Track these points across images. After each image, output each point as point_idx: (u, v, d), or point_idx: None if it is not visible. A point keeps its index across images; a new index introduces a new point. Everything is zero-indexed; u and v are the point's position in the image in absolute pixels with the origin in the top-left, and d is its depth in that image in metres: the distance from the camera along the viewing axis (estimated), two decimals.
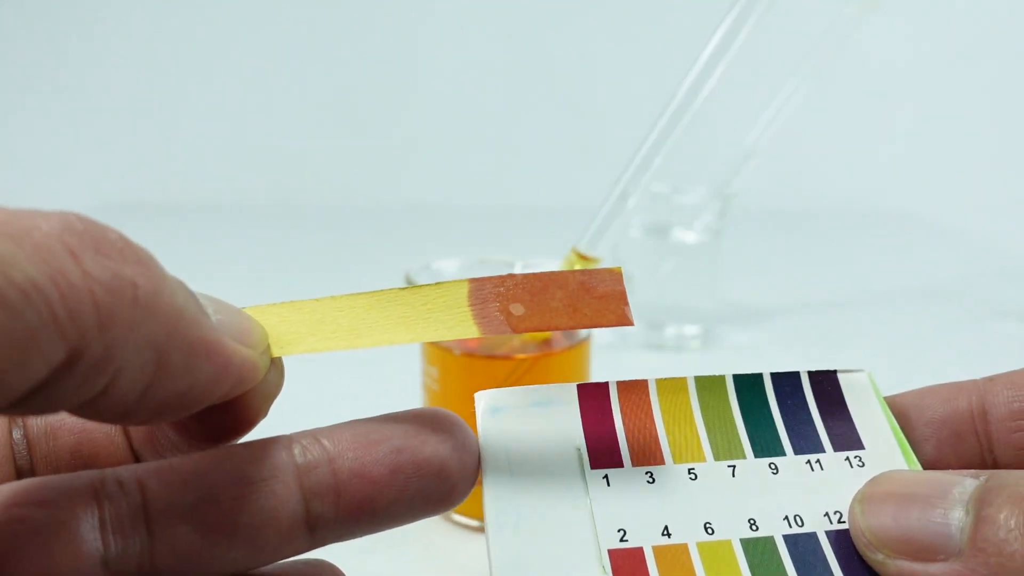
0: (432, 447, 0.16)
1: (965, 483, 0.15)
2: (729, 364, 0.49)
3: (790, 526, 0.17)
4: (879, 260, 0.74)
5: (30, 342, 0.12)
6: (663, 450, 0.18)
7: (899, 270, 0.69)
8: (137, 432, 0.18)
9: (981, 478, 0.15)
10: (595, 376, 0.34)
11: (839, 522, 0.17)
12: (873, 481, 0.16)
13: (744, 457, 0.18)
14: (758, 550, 0.16)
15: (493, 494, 0.17)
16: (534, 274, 0.17)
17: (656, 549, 0.17)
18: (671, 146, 0.38)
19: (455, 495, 0.17)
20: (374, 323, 0.17)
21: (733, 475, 0.18)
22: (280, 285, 0.66)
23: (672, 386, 0.19)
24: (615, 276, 0.17)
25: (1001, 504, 0.14)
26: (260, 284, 0.67)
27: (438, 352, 0.34)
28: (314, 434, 0.16)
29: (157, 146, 0.96)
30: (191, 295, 0.14)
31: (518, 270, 0.37)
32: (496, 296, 0.17)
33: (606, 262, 0.38)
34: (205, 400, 0.15)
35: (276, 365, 0.17)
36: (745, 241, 0.73)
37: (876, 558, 0.16)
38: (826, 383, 0.19)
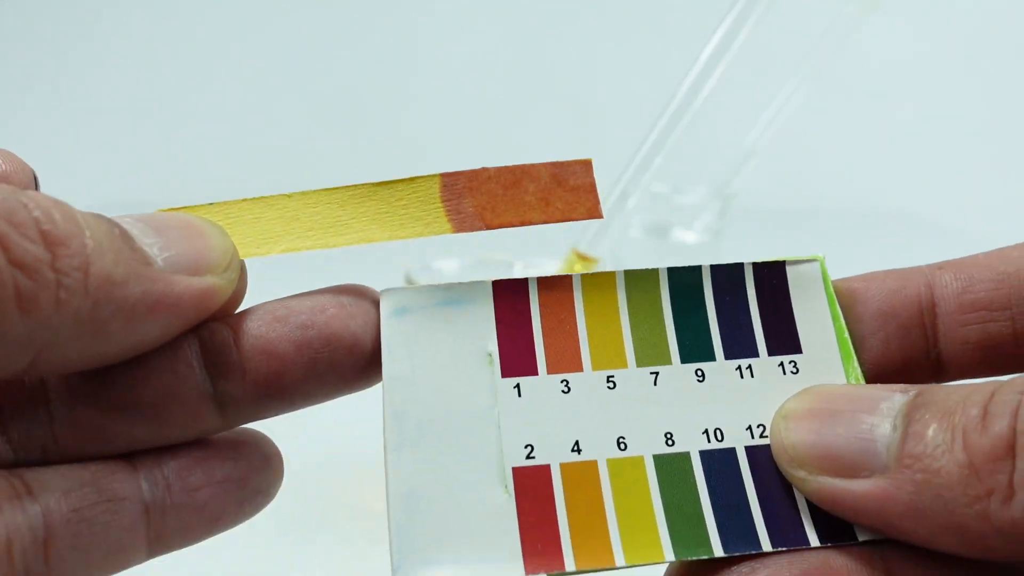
0: (341, 321, 0.16)
1: (894, 398, 0.15)
2: None
3: (708, 441, 0.16)
4: (879, 260, 0.73)
5: None
6: (582, 355, 0.17)
7: None
8: None
9: (910, 393, 0.14)
10: None
11: (761, 437, 0.16)
12: (799, 396, 0.16)
13: (669, 363, 0.17)
14: (671, 466, 0.16)
15: (393, 408, 0.16)
16: (506, 167, 0.17)
17: (564, 467, 0.16)
18: (671, 146, 0.38)
19: (371, 369, 0.16)
20: (349, 219, 0.17)
21: (655, 383, 0.17)
22: (280, 284, 0.66)
23: (599, 282, 0.17)
24: (586, 168, 0.17)
25: (930, 419, 0.14)
26: (260, 284, 0.67)
27: None
28: (224, 319, 0.16)
29: (157, 146, 0.96)
30: (127, 246, 0.14)
31: (518, 270, 0.37)
32: (470, 190, 0.17)
33: (606, 262, 0.38)
34: (162, 339, 0.15)
35: (240, 271, 0.16)
36: (745, 241, 0.72)
37: (797, 475, 0.15)
38: (772, 276, 0.18)
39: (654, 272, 0.17)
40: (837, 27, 0.46)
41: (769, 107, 0.50)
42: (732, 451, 0.16)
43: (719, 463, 0.16)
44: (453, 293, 0.17)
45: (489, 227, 0.17)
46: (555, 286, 0.17)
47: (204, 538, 0.16)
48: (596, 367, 0.17)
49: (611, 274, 0.17)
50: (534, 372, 0.16)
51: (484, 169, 0.17)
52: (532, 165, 0.17)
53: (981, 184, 0.91)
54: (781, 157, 0.70)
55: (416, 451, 0.16)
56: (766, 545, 0.15)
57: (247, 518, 0.17)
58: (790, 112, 0.49)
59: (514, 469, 0.16)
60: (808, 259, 0.18)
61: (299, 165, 0.97)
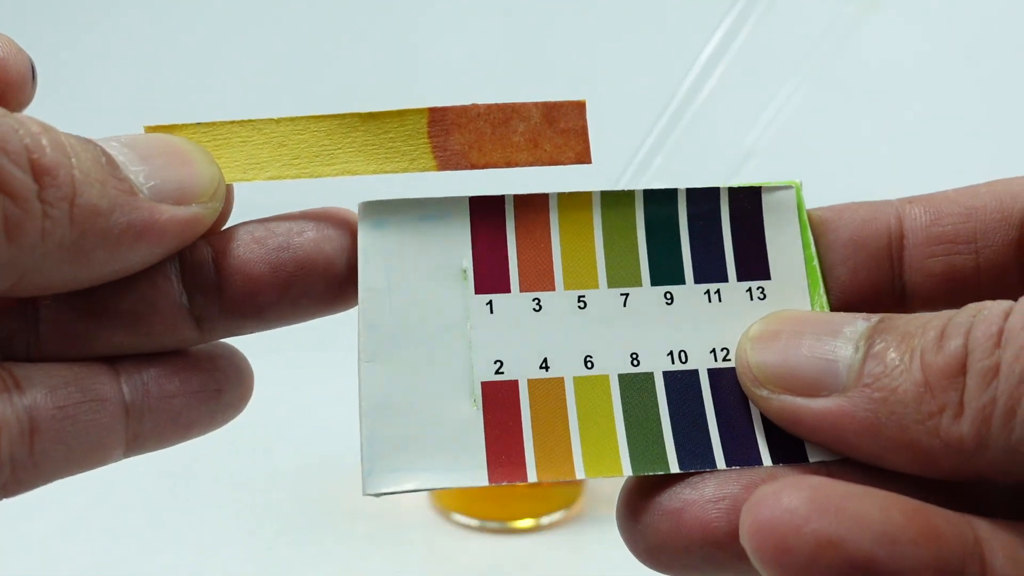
0: (316, 244, 0.16)
1: (857, 323, 0.15)
2: None
3: (672, 362, 0.16)
4: None
5: None
6: (555, 274, 0.17)
7: None
8: None
9: (873, 319, 0.15)
10: None
11: (724, 360, 0.16)
12: (765, 319, 0.16)
13: (640, 285, 0.17)
14: (634, 386, 0.16)
15: (368, 319, 0.16)
16: (496, 104, 0.17)
17: (531, 382, 0.16)
18: (671, 146, 0.38)
19: (345, 293, 0.17)
20: (336, 149, 0.17)
21: (624, 304, 0.17)
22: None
23: (575, 201, 0.18)
24: (579, 110, 0.17)
25: (890, 342, 0.14)
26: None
27: None
28: (205, 239, 0.16)
29: None
30: (112, 175, 0.14)
31: None
32: (457, 126, 0.17)
33: None
34: (144, 266, 0.15)
35: (227, 193, 0.17)
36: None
37: (760, 393, 0.16)
38: (747, 201, 0.18)
39: (630, 194, 0.18)
40: (837, 27, 0.46)
41: (769, 107, 0.50)
42: (695, 373, 0.16)
43: (681, 384, 0.16)
44: (431, 208, 0.17)
45: (474, 166, 0.17)
46: (532, 204, 0.17)
47: (177, 442, 0.17)
48: (568, 287, 0.17)
49: (588, 194, 0.18)
50: (507, 290, 0.17)
51: (474, 105, 0.17)
52: (523, 104, 0.17)
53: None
54: (781, 157, 0.70)
55: (388, 363, 0.16)
56: (720, 464, 0.16)
57: (218, 427, 0.17)
58: (790, 112, 0.49)
59: (483, 384, 0.16)
60: (784, 185, 0.18)
61: None
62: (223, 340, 0.17)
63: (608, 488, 0.42)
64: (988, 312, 0.14)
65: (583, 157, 0.17)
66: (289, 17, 0.94)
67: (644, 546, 0.15)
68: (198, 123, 0.17)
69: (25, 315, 0.16)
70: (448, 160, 0.16)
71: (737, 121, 0.53)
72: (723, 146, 0.53)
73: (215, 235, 0.17)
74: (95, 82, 0.96)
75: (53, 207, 0.13)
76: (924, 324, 0.14)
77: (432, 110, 0.17)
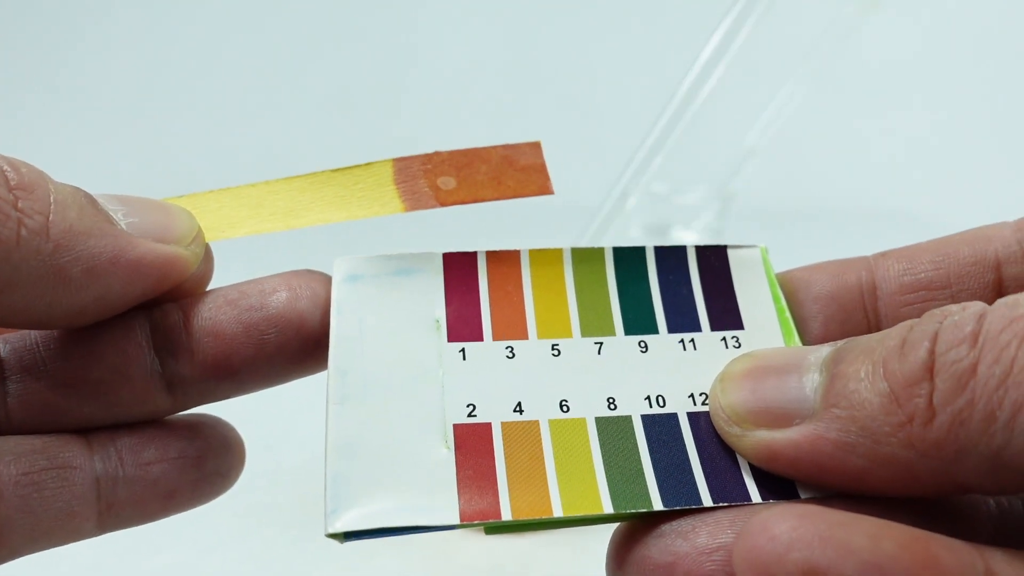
0: (289, 303, 0.16)
1: (822, 350, 0.15)
2: None
3: (651, 406, 0.16)
4: None
5: None
6: (528, 324, 0.17)
7: None
8: None
9: (838, 344, 0.15)
10: None
11: (703, 404, 0.16)
12: (735, 360, 0.16)
13: (613, 334, 0.17)
14: (613, 429, 0.16)
15: (337, 364, 0.16)
16: (458, 151, 0.18)
17: (505, 425, 0.16)
18: (671, 146, 0.38)
19: (320, 351, 0.17)
20: (309, 203, 0.17)
21: (599, 352, 0.17)
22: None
23: (546, 257, 0.18)
24: (535, 149, 0.18)
25: (852, 359, 0.14)
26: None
27: None
28: (175, 303, 0.16)
29: (157, 146, 0.96)
30: (90, 204, 0.15)
31: None
32: (424, 172, 0.17)
33: None
34: (126, 302, 0.15)
35: (207, 254, 0.17)
36: (745, 241, 0.72)
37: (733, 432, 0.15)
38: (713, 258, 0.18)
39: (600, 250, 0.18)
40: (837, 27, 0.46)
41: (769, 107, 0.50)
42: (674, 416, 0.16)
43: (660, 427, 0.16)
44: (404, 263, 0.17)
45: (443, 204, 0.17)
46: (503, 260, 0.18)
47: (160, 516, 0.17)
48: (541, 335, 0.17)
49: (558, 250, 0.18)
50: (480, 338, 0.17)
51: (437, 153, 0.17)
52: (483, 148, 0.17)
53: (981, 184, 0.91)
54: (781, 157, 0.70)
55: (358, 406, 0.16)
56: (707, 500, 0.15)
57: (205, 500, 0.17)
58: (790, 112, 0.49)
59: (455, 426, 0.16)
60: (748, 246, 0.19)
61: (298, 164, 0.97)
62: (203, 410, 0.17)
63: None
64: (958, 317, 0.13)
65: (544, 189, 0.17)
66: (287, 17, 0.94)
67: None
68: (177, 196, 0.17)
69: None
70: (417, 201, 0.17)
71: (737, 121, 0.53)
72: (723, 146, 0.53)
73: (185, 299, 0.17)
74: (95, 83, 0.96)
75: (29, 217, 0.13)
76: (885, 336, 0.14)
77: (397, 160, 0.17)
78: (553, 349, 0.17)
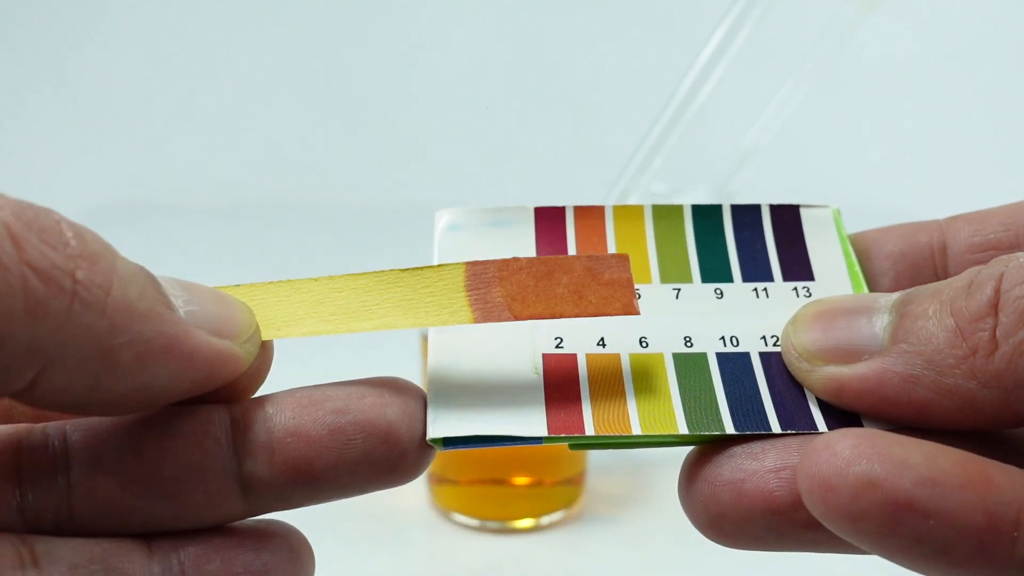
0: (377, 410, 0.16)
1: (892, 296, 0.15)
2: None
3: (725, 345, 0.17)
4: None
5: None
6: None
7: None
8: None
9: (908, 290, 0.15)
10: None
11: (774, 345, 0.17)
12: (806, 304, 0.17)
13: (691, 282, 0.18)
14: (689, 363, 0.17)
15: None
16: (539, 258, 0.17)
17: (589, 356, 0.17)
18: (671, 146, 0.38)
19: (405, 463, 0.16)
20: (374, 305, 0.16)
21: (677, 297, 0.18)
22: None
23: (629, 212, 0.19)
24: (622, 262, 0.17)
25: (921, 300, 0.15)
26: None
27: None
28: (258, 398, 0.16)
29: (157, 146, 0.96)
30: (153, 287, 0.14)
31: None
32: (499, 280, 0.17)
33: None
34: (170, 395, 0.14)
35: (265, 348, 0.16)
36: None
37: (803, 367, 0.16)
38: (786, 216, 0.19)
39: (679, 207, 0.19)
40: (836, 27, 0.46)
41: (769, 107, 0.50)
42: (747, 355, 0.17)
43: (734, 364, 0.17)
44: (500, 215, 0.19)
45: (517, 318, 0.16)
46: (589, 214, 0.19)
47: None
48: None
49: (639, 207, 0.19)
50: None
51: (515, 259, 0.17)
52: (566, 258, 0.17)
53: (981, 184, 0.91)
54: (781, 157, 0.70)
55: (455, 336, 0.17)
56: (776, 428, 0.16)
57: None
58: (790, 112, 0.49)
59: (544, 355, 0.17)
60: (821, 205, 0.20)
61: (299, 165, 0.97)
62: (275, 517, 0.16)
63: (608, 488, 0.42)
64: (1022, 259, 0.14)
65: (629, 309, 0.16)
66: (287, 17, 0.94)
67: (706, 517, 0.15)
68: (235, 285, 0.16)
69: (56, 483, 0.15)
70: (489, 312, 0.16)
71: (737, 121, 0.53)
72: (722, 146, 0.53)
73: (267, 396, 0.16)
74: (100, 87, 0.96)
75: (87, 290, 0.13)
76: (952, 280, 0.15)
77: (470, 264, 0.17)
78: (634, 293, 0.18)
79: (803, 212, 0.19)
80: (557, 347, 0.17)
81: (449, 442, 0.16)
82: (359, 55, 0.94)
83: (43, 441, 0.15)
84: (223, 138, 0.95)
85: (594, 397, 0.16)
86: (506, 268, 0.17)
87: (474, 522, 0.37)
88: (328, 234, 0.85)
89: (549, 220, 0.19)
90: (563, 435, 0.16)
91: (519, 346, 0.17)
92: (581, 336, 0.17)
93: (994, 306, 0.14)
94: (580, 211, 0.19)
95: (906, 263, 0.18)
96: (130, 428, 0.15)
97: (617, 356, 0.17)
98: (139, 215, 0.89)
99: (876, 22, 0.48)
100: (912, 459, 0.13)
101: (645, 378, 0.17)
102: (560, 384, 0.17)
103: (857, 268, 0.18)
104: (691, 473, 0.16)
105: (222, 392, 0.15)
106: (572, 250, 0.19)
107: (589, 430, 0.16)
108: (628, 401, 0.16)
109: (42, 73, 0.95)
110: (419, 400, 0.16)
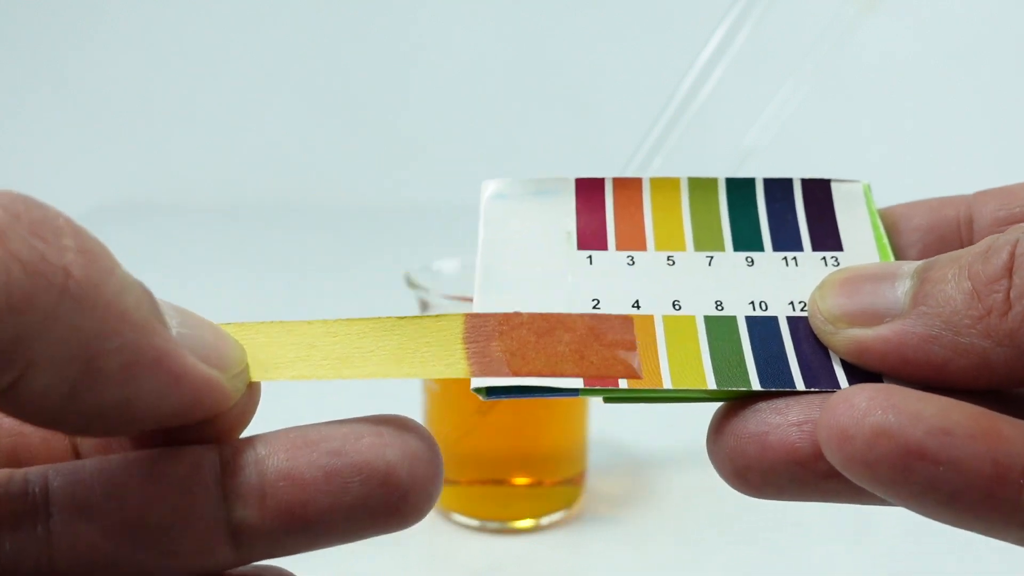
0: (376, 451, 0.15)
1: (915, 263, 0.16)
2: None
3: (754, 310, 0.18)
4: None
5: None
6: (647, 238, 0.19)
7: None
8: (85, 442, 0.16)
9: (930, 259, 0.16)
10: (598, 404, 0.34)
11: (801, 310, 0.18)
12: (833, 272, 0.17)
13: (723, 250, 0.19)
14: (719, 325, 0.18)
15: (485, 263, 0.18)
16: (540, 314, 0.17)
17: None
18: (671, 146, 0.38)
19: (406, 507, 0.15)
20: (368, 352, 0.16)
21: (709, 264, 0.19)
22: (280, 285, 0.66)
23: (665, 184, 0.20)
24: (626, 324, 0.17)
25: (941, 266, 0.15)
26: (260, 284, 0.67)
27: None
28: (249, 438, 0.15)
29: (157, 146, 0.96)
30: (149, 300, 0.13)
31: None
32: (499, 334, 0.16)
33: None
34: (153, 417, 0.13)
35: (251, 390, 0.15)
36: None
37: (827, 330, 0.17)
38: (818, 190, 0.20)
39: (713, 180, 0.20)
40: (836, 27, 0.46)
41: (769, 107, 0.50)
42: (775, 319, 0.18)
43: (762, 327, 0.18)
44: (543, 185, 0.20)
45: (516, 375, 0.16)
46: (627, 185, 0.20)
47: None
48: (659, 248, 0.19)
49: (676, 179, 0.20)
50: (604, 247, 0.19)
51: (516, 314, 0.17)
52: (568, 315, 0.17)
53: (981, 184, 0.90)
54: (781, 157, 0.70)
55: (498, 294, 0.18)
56: (800, 385, 0.16)
57: None
58: (790, 112, 0.49)
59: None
60: (852, 180, 0.20)
61: (299, 165, 0.97)
62: (276, 565, 0.16)
63: (608, 488, 0.42)
64: None
65: (631, 373, 0.16)
66: (287, 18, 0.94)
67: (732, 468, 0.16)
68: (227, 323, 0.16)
69: (36, 531, 0.14)
70: (488, 367, 0.16)
71: (737, 121, 0.53)
72: (723, 146, 0.53)
73: (258, 436, 0.15)
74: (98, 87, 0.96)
75: (80, 288, 0.12)
76: (972, 247, 0.15)
77: (470, 316, 0.16)
78: (668, 260, 0.19)
79: (834, 186, 0.20)
80: (594, 307, 0.18)
81: (492, 391, 0.16)
82: (359, 55, 0.93)
83: (23, 487, 0.14)
84: (223, 138, 0.95)
85: None
86: (507, 322, 0.16)
87: (474, 522, 0.37)
88: (328, 234, 0.85)
89: (589, 190, 0.20)
90: (598, 387, 0.16)
91: (557, 302, 0.18)
92: (617, 298, 0.18)
93: (1008, 269, 0.14)
94: (619, 182, 0.20)
95: (933, 236, 0.19)
96: (114, 472, 0.14)
97: (651, 317, 0.18)
98: (139, 215, 0.89)
99: (876, 22, 0.48)
100: (926, 411, 0.14)
101: (677, 337, 0.17)
102: None
103: (885, 240, 0.19)
104: (719, 428, 0.16)
105: (205, 430, 0.15)
106: (610, 219, 0.19)
107: (623, 383, 0.16)
108: (660, 358, 0.17)
109: (42, 73, 0.95)
110: (422, 439, 0.15)
